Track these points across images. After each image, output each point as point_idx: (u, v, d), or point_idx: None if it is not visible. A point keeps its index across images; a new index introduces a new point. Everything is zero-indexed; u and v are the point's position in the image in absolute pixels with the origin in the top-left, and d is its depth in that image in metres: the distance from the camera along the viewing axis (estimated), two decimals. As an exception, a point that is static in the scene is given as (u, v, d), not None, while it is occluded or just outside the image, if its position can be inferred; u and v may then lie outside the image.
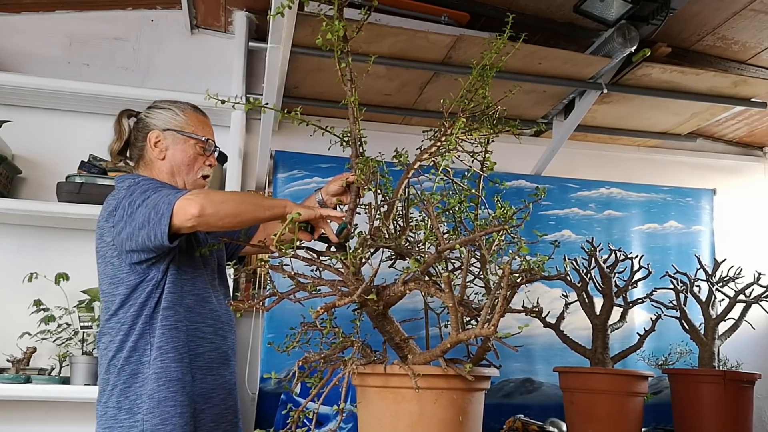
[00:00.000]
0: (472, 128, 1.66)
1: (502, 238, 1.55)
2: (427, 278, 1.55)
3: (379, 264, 1.62)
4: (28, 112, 2.80)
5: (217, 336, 1.87)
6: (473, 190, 1.77)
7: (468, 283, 1.44)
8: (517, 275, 1.49)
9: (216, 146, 1.98)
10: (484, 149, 1.76)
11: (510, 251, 1.54)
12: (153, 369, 1.75)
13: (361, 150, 1.66)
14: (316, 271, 1.63)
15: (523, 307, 1.63)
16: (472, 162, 1.72)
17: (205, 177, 1.96)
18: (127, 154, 1.99)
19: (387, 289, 1.51)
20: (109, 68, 2.96)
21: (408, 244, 1.69)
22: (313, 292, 1.52)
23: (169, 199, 1.65)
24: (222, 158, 2.82)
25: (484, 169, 1.75)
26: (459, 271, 1.70)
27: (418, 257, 1.56)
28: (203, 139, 1.93)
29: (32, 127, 2.81)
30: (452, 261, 1.79)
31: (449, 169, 1.73)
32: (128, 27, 3.02)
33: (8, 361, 2.49)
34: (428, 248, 1.60)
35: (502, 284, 1.32)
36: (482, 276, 1.64)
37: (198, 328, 1.83)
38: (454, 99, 1.72)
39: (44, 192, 2.74)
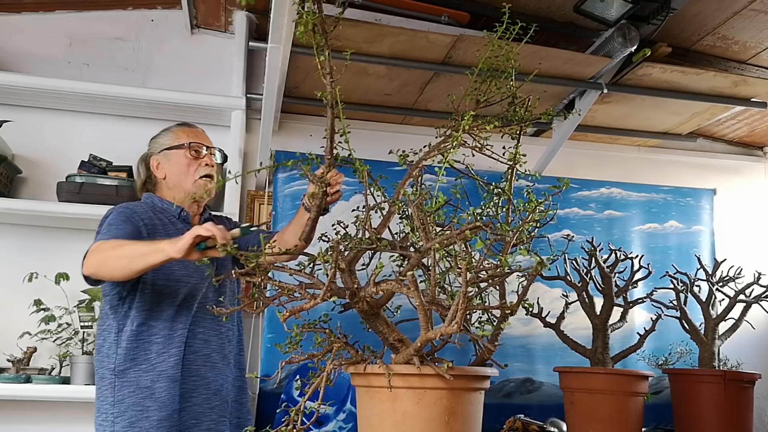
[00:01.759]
0: (486, 122, 1.65)
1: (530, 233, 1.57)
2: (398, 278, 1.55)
3: (357, 265, 1.63)
4: (29, 112, 2.80)
5: (197, 341, 1.96)
6: (494, 185, 1.77)
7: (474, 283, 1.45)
8: (482, 272, 1.49)
9: (209, 147, 2.13)
10: (516, 140, 1.76)
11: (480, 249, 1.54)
12: (124, 378, 1.89)
13: (343, 150, 1.65)
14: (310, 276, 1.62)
15: (501, 303, 1.62)
16: (503, 154, 1.71)
17: (205, 177, 2.08)
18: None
19: (362, 290, 1.51)
20: (109, 68, 2.96)
21: (410, 244, 1.69)
22: (293, 296, 1.52)
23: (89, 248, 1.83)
24: (222, 158, 2.82)
25: (516, 162, 1.75)
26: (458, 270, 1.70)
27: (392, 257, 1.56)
28: (184, 144, 2.07)
29: (32, 127, 2.81)
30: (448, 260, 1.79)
31: (467, 165, 1.72)
32: (128, 27, 3.02)
33: (8, 360, 2.49)
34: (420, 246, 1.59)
35: (462, 282, 1.32)
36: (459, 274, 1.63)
37: (177, 334, 1.93)
38: (463, 93, 1.71)
39: (44, 192, 2.74)
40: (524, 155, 1.78)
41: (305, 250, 1.66)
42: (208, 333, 1.99)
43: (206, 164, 2.09)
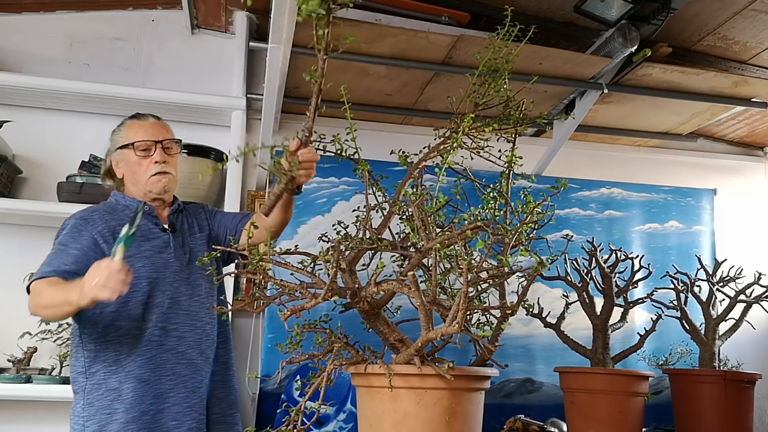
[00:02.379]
0: (485, 124, 1.65)
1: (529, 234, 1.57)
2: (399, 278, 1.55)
3: (361, 264, 1.63)
4: (29, 112, 2.80)
5: (170, 338, 1.91)
6: (490, 186, 1.77)
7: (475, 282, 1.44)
8: (482, 273, 1.49)
9: (158, 141, 1.98)
10: (512, 144, 1.76)
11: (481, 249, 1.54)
12: (93, 380, 1.87)
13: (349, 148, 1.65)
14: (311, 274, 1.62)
15: (502, 303, 1.62)
16: (500, 158, 1.72)
17: (158, 174, 1.97)
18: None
19: (363, 290, 1.51)
20: (109, 68, 2.96)
21: (410, 244, 1.69)
22: (294, 295, 1.51)
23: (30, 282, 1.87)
24: (222, 158, 2.82)
25: (512, 165, 1.75)
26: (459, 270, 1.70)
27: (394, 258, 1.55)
28: (131, 143, 1.97)
29: (33, 127, 2.81)
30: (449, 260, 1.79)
31: (464, 167, 1.72)
32: (129, 27, 3.02)
33: (9, 361, 2.49)
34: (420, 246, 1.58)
35: (462, 282, 1.32)
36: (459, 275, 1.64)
37: (147, 333, 1.88)
38: (463, 95, 1.71)
39: (45, 192, 2.74)
40: (520, 158, 1.78)
41: (305, 250, 1.66)
42: (183, 329, 1.94)
43: (156, 161, 1.97)
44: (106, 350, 1.87)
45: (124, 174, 2.01)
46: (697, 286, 2.80)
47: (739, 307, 2.74)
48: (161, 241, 1.96)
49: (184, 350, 1.93)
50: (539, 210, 1.66)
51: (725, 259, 2.91)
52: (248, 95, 2.90)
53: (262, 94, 2.57)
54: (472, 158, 1.69)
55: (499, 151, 1.75)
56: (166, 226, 2.00)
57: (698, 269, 2.85)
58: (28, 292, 1.84)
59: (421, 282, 1.57)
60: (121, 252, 1.59)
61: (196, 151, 2.72)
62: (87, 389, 1.87)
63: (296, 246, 1.74)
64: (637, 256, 2.69)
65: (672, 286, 2.79)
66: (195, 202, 2.30)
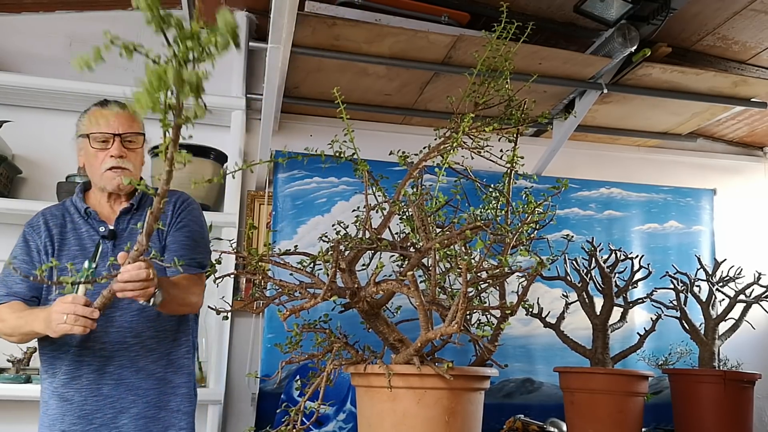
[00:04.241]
0: (485, 124, 1.66)
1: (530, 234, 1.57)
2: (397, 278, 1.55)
3: (361, 264, 1.62)
4: (29, 112, 2.80)
5: (96, 358, 1.81)
6: (493, 187, 1.77)
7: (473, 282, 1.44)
8: (482, 273, 1.50)
9: (116, 135, 1.87)
10: (514, 143, 1.76)
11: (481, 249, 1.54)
12: (43, 387, 1.87)
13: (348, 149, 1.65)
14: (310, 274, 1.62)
15: (501, 304, 1.62)
16: (501, 158, 1.72)
17: (112, 168, 1.85)
18: None
19: (362, 290, 1.51)
20: (109, 68, 2.95)
21: (410, 244, 1.69)
22: (293, 296, 1.51)
23: None
24: (222, 158, 2.82)
25: (514, 164, 1.76)
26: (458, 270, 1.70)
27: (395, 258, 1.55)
28: (87, 134, 1.88)
29: (32, 127, 2.81)
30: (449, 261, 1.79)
31: (464, 167, 1.73)
32: (128, 27, 3.01)
33: (8, 361, 2.49)
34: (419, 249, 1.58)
35: (461, 282, 1.32)
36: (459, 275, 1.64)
37: (72, 352, 1.81)
38: (463, 95, 1.71)
39: (44, 192, 2.74)
40: (522, 157, 1.78)
41: (305, 250, 1.66)
42: (113, 348, 1.81)
43: (112, 155, 1.84)
44: (44, 363, 1.86)
45: (84, 163, 1.92)
46: (697, 286, 2.80)
47: (739, 307, 2.75)
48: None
49: (113, 370, 1.82)
50: (540, 210, 1.67)
51: (725, 259, 2.92)
52: (248, 95, 2.90)
53: (262, 94, 2.57)
54: (472, 158, 1.69)
55: (501, 150, 1.75)
56: (105, 233, 1.86)
57: (698, 269, 2.85)
58: None
59: (421, 282, 1.58)
60: (83, 289, 1.60)
61: (195, 151, 2.71)
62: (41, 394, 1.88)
63: (296, 246, 1.74)
64: (637, 256, 2.69)
65: (672, 286, 2.79)
66: (173, 189, 2.02)
